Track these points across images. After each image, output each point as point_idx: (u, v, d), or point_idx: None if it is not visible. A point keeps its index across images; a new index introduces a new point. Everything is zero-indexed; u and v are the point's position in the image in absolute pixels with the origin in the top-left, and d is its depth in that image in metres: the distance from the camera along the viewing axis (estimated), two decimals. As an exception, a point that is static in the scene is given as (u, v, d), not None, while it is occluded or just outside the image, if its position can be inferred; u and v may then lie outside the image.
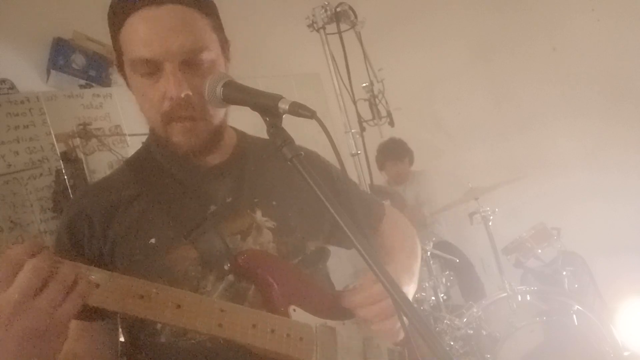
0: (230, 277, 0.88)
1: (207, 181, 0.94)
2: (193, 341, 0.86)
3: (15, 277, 0.63)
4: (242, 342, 0.80)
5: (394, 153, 3.67)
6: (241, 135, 1.06)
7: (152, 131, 0.95)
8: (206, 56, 0.84)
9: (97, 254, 0.88)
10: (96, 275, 0.70)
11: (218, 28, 0.90)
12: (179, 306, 0.75)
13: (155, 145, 0.97)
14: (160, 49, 0.79)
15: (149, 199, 0.91)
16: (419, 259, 1.16)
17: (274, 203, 0.96)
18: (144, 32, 0.80)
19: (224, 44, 0.93)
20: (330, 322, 0.93)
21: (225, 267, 0.86)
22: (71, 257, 0.82)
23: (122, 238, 0.87)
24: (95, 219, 0.88)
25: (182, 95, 0.81)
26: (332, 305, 0.95)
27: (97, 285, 0.70)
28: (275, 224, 0.94)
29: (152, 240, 0.87)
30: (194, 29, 0.83)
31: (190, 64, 0.82)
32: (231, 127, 1.04)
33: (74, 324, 0.78)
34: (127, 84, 0.90)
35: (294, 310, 0.88)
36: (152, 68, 0.82)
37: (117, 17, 0.84)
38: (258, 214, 0.94)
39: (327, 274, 1.08)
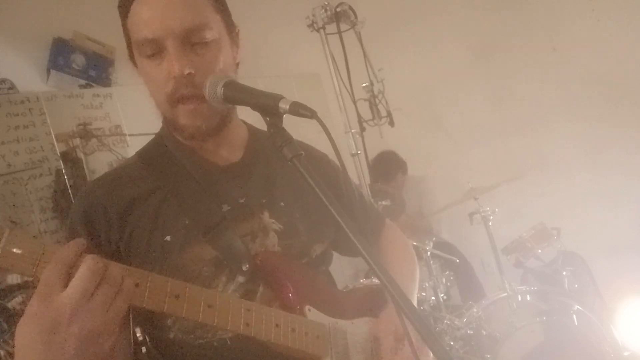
0: (240, 278, 0.88)
1: (221, 180, 0.94)
2: (201, 340, 0.86)
3: (68, 277, 0.64)
4: (266, 340, 0.82)
5: (384, 175, 3.61)
6: (253, 132, 1.05)
7: (165, 122, 0.95)
8: (209, 35, 0.84)
9: (114, 248, 0.87)
10: (134, 274, 0.71)
11: (223, 10, 0.91)
12: (210, 306, 0.77)
13: (170, 139, 0.96)
14: (161, 27, 0.81)
15: (165, 195, 0.90)
16: (417, 280, 1.18)
17: (282, 204, 0.97)
18: (145, 13, 0.82)
19: (231, 29, 0.93)
20: (341, 322, 0.95)
21: (244, 268, 0.87)
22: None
23: (139, 234, 0.87)
24: (112, 211, 0.87)
25: (185, 73, 0.81)
26: (342, 305, 0.97)
27: (137, 285, 0.71)
28: (281, 226, 0.94)
29: (168, 238, 0.87)
30: (195, 7, 0.84)
31: (193, 43, 0.83)
32: (243, 121, 1.04)
33: None
34: (139, 73, 0.91)
35: (309, 310, 0.91)
36: (156, 48, 0.82)
37: (124, 5, 0.86)
38: (265, 215, 0.94)
39: (331, 275, 1.08)
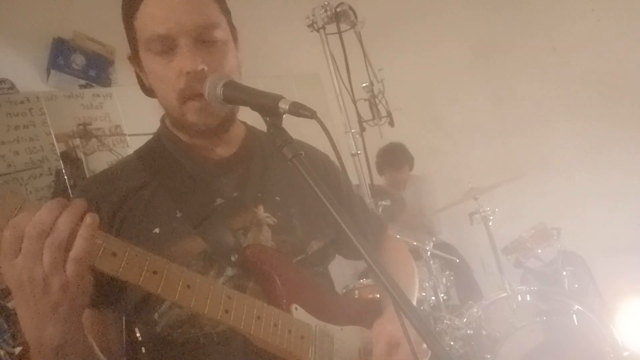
0: (229, 272, 0.88)
1: (214, 174, 0.95)
2: (187, 335, 0.86)
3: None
4: (245, 332, 0.80)
5: (392, 162, 3.63)
6: (250, 129, 1.06)
7: (165, 118, 0.96)
8: (218, 34, 0.86)
9: None
10: (113, 244, 0.70)
11: (226, 12, 0.93)
12: (189, 286, 0.74)
13: (167, 136, 0.97)
14: (174, 25, 0.82)
15: (156, 188, 0.91)
16: (417, 285, 1.17)
17: (277, 199, 0.97)
18: (159, 10, 0.83)
19: (233, 30, 0.95)
20: (330, 326, 0.93)
21: (233, 258, 0.87)
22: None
23: (127, 226, 0.88)
24: (103, 207, 0.88)
25: (199, 69, 0.82)
26: (333, 309, 0.95)
27: (114, 254, 0.69)
28: (275, 220, 0.94)
29: (156, 230, 0.87)
30: (206, 7, 0.86)
31: (204, 41, 0.85)
32: (240, 120, 1.05)
33: (87, 313, 0.79)
34: (140, 71, 0.92)
35: (296, 308, 0.88)
36: (167, 45, 0.83)
37: (132, 2, 0.86)
38: (260, 209, 0.94)
39: (329, 276, 1.07)
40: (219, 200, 0.92)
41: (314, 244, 0.98)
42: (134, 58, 0.91)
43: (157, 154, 0.96)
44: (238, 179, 0.96)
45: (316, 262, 1.00)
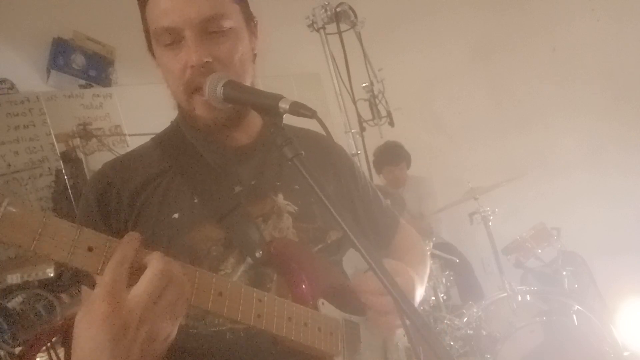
0: (250, 259, 0.87)
1: (233, 162, 0.95)
2: (213, 329, 0.85)
3: (127, 275, 0.63)
4: (277, 334, 0.79)
5: (389, 158, 3.64)
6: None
7: (181, 111, 0.96)
8: (226, 23, 0.85)
9: (122, 227, 0.88)
10: (185, 271, 0.69)
11: (240, 0, 0.91)
12: (220, 294, 0.72)
13: (184, 123, 0.97)
14: (178, 17, 0.81)
15: (176, 175, 0.91)
16: (428, 268, 1.17)
17: (296, 187, 0.96)
18: (164, 2, 0.82)
19: (249, 19, 0.93)
20: (355, 318, 0.93)
21: (257, 255, 0.86)
22: (99, 230, 0.83)
23: (147, 212, 0.88)
24: (123, 192, 0.88)
25: (203, 61, 0.82)
26: (356, 301, 0.95)
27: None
28: (296, 208, 0.94)
29: (175, 216, 0.87)
30: None
31: (210, 32, 0.83)
32: None
33: (85, 292, 0.79)
34: (157, 63, 0.91)
35: (322, 303, 0.88)
36: (173, 37, 0.83)
37: None
38: (280, 197, 0.94)
39: (342, 267, 1.07)
40: (238, 188, 0.92)
41: (332, 234, 0.98)
42: (150, 49, 0.91)
43: (175, 142, 0.96)
44: (255, 167, 0.96)
45: (334, 251, 1.00)
